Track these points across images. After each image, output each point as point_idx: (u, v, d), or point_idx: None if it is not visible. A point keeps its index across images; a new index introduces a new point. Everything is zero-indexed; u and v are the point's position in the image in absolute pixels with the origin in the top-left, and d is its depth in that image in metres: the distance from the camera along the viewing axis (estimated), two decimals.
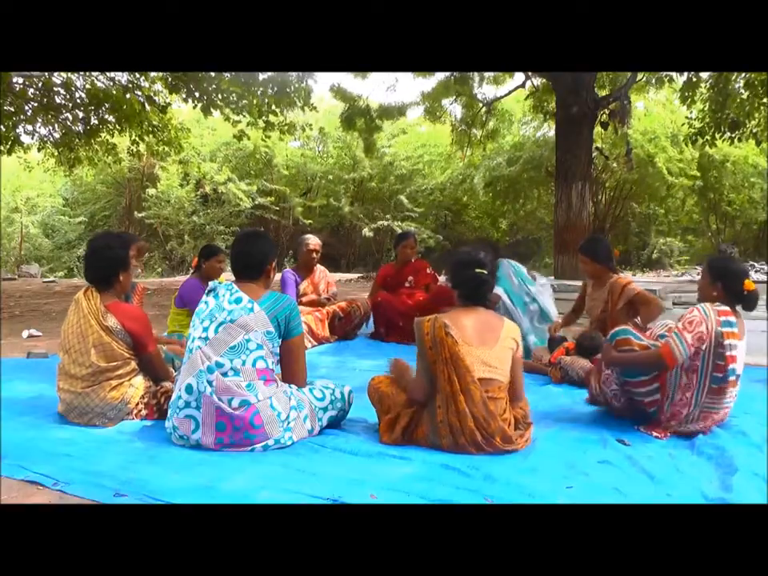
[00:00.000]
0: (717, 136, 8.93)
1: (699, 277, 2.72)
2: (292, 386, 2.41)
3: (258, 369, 2.27)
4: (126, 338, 2.60)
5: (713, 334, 2.42)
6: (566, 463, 2.14)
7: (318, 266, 5.13)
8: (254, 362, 2.26)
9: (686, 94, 8.81)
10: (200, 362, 2.26)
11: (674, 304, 5.35)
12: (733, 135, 8.88)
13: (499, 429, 2.22)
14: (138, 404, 2.62)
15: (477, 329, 2.29)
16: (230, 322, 2.28)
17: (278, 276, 4.65)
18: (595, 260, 3.66)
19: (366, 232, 16.59)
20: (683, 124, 10.22)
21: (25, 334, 5.02)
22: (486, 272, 2.36)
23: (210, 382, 2.22)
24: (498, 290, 4.07)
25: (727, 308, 2.48)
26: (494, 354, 2.27)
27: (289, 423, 2.30)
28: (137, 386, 2.63)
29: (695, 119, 9.33)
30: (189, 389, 2.25)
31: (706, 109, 8.96)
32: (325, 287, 5.07)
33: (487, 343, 2.28)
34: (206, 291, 2.45)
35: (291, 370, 2.43)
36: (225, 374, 2.23)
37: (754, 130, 9.06)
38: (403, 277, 5.14)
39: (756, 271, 13.71)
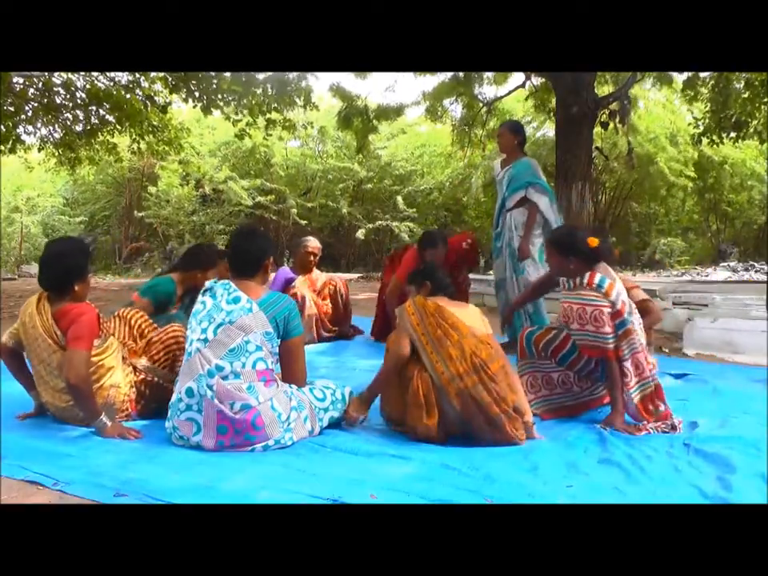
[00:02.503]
0: (722, 135, 8.93)
1: (547, 256, 2.88)
2: (292, 386, 2.40)
3: (258, 370, 2.26)
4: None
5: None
6: (566, 463, 2.14)
7: (316, 270, 5.04)
8: (253, 364, 2.25)
9: (687, 93, 8.82)
10: (199, 365, 2.24)
11: (674, 304, 5.35)
12: (738, 134, 8.88)
13: (501, 370, 2.35)
14: (123, 401, 2.57)
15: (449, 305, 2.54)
16: (228, 323, 2.26)
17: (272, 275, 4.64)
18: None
19: (360, 234, 16.54)
20: (689, 124, 10.22)
21: None
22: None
23: (210, 386, 2.21)
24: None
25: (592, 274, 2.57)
26: (468, 318, 2.50)
27: (289, 424, 2.29)
28: (118, 385, 2.54)
29: (700, 119, 9.34)
30: (189, 392, 2.24)
31: (707, 109, 8.97)
32: (322, 286, 5.00)
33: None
34: (203, 291, 2.42)
35: (291, 370, 2.42)
36: (225, 378, 2.22)
37: (759, 129, 9.06)
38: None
39: (756, 271, 13.71)
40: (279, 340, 2.34)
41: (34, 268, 15.30)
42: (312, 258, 4.90)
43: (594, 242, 2.65)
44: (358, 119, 10.41)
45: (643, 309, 2.92)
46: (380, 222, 16.87)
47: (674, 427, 2.49)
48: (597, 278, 2.53)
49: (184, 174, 16.81)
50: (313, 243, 4.97)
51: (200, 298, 2.41)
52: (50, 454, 2.17)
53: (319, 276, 5.04)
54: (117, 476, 1.97)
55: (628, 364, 2.50)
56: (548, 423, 2.61)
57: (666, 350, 4.46)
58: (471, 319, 2.51)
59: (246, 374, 2.24)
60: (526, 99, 11.20)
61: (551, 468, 2.09)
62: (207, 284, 2.43)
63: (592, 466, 2.12)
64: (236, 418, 2.19)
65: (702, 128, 9.30)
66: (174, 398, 2.32)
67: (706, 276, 13.33)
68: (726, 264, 15.61)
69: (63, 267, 2.50)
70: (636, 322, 2.55)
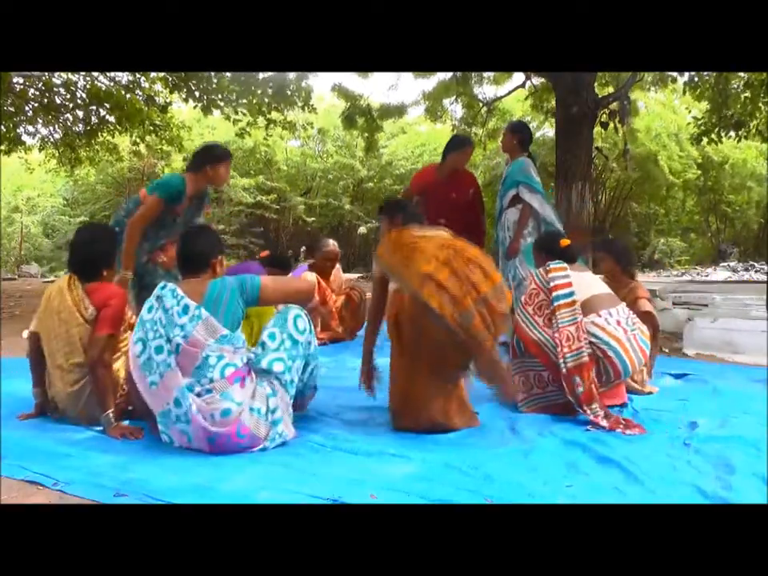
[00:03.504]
0: (722, 134, 8.93)
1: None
2: (260, 375, 2.32)
3: (228, 376, 2.20)
4: None
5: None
6: (565, 463, 2.14)
7: (338, 266, 5.03)
8: (221, 373, 2.20)
9: (693, 92, 8.81)
10: (178, 379, 2.19)
11: (674, 304, 5.34)
12: (738, 134, 8.88)
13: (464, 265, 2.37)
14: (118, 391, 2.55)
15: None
16: (184, 341, 2.19)
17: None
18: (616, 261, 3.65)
19: (363, 230, 16.55)
20: (689, 123, 10.23)
21: (25, 333, 4.99)
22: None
23: (190, 401, 2.17)
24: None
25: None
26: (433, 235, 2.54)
27: (274, 413, 2.26)
28: (119, 368, 2.57)
29: (700, 119, 9.34)
30: (177, 403, 2.19)
31: (707, 108, 8.98)
32: (339, 288, 4.96)
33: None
34: (154, 294, 2.32)
35: (290, 301, 2.47)
36: (199, 395, 2.18)
37: (760, 128, 9.06)
38: (447, 190, 4.40)
39: (756, 271, 13.72)
40: (242, 319, 2.31)
41: (34, 268, 15.33)
42: (328, 264, 4.85)
43: (565, 242, 2.95)
44: (362, 119, 10.42)
45: (643, 318, 2.94)
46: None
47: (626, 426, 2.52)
48: (552, 273, 2.76)
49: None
50: (331, 247, 4.89)
51: (150, 302, 2.31)
52: (50, 454, 2.17)
53: (338, 275, 4.99)
54: (117, 476, 1.97)
55: (558, 335, 2.65)
56: (548, 424, 2.61)
57: (666, 350, 4.46)
58: (436, 235, 2.54)
59: (217, 385, 2.19)
60: (526, 99, 11.20)
61: (551, 468, 2.09)
62: (156, 290, 2.32)
63: (592, 466, 2.12)
64: (220, 432, 2.16)
65: (701, 128, 9.31)
66: (162, 408, 2.25)
67: (706, 276, 13.34)
68: (725, 264, 15.62)
69: (93, 253, 2.60)
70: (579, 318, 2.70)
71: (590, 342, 2.67)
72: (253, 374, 2.30)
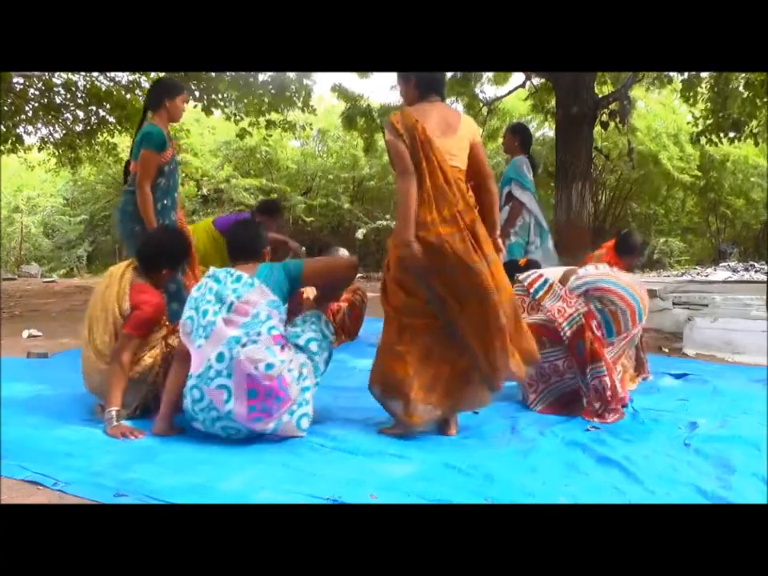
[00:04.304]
0: (721, 135, 8.94)
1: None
2: (292, 348, 2.48)
3: (273, 335, 2.37)
4: None
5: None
6: (565, 463, 2.14)
7: None
8: (268, 330, 2.37)
9: (687, 94, 8.82)
10: (225, 332, 2.33)
11: (674, 304, 5.34)
12: (737, 135, 8.88)
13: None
14: (153, 370, 2.63)
15: (437, 122, 2.43)
16: (236, 299, 2.39)
17: None
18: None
19: (360, 235, 16.53)
20: (688, 123, 10.22)
21: (25, 333, 5.02)
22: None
23: (237, 351, 2.29)
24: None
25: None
26: (453, 143, 2.43)
27: (304, 382, 2.43)
28: (153, 357, 2.64)
29: (699, 118, 9.34)
30: (220, 357, 2.30)
31: (706, 109, 8.97)
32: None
33: (447, 135, 2.42)
34: (206, 275, 2.53)
35: (332, 285, 2.72)
36: (245, 345, 2.31)
37: (755, 131, 9.07)
38: None
39: (756, 271, 13.71)
40: (285, 305, 2.50)
41: (34, 268, 15.31)
42: None
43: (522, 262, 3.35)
44: (362, 119, 10.42)
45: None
46: (380, 221, 16.87)
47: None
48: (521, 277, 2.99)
49: (183, 174, 16.80)
50: (342, 254, 4.85)
51: (204, 281, 2.51)
52: (50, 454, 2.17)
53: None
54: (117, 476, 1.97)
55: (549, 314, 2.80)
56: (549, 424, 2.61)
57: (666, 350, 4.46)
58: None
59: (263, 340, 2.33)
60: (526, 99, 11.20)
61: (551, 468, 2.09)
62: (209, 271, 2.52)
63: (592, 466, 2.12)
64: (263, 381, 2.27)
65: (700, 127, 9.31)
66: (201, 368, 2.32)
67: (706, 276, 13.33)
68: (725, 264, 15.61)
69: (161, 249, 2.75)
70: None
71: (591, 292, 2.79)
72: (290, 347, 2.47)
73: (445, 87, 2.64)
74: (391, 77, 13.38)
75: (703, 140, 9.27)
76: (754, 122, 8.87)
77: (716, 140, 9.14)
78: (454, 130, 2.44)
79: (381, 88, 22.74)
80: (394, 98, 10.65)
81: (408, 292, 2.42)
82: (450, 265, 2.32)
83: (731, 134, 8.93)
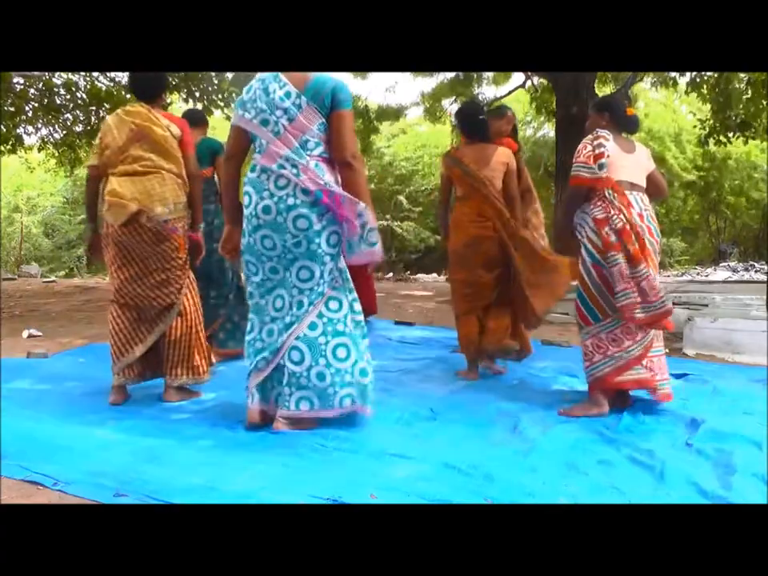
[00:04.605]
0: (728, 135, 8.93)
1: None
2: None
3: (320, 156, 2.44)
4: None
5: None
6: (566, 463, 2.14)
7: None
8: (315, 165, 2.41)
9: (689, 94, 8.82)
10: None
11: (674, 304, 5.34)
12: (745, 134, 8.88)
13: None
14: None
15: (475, 157, 3.44)
16: (287, 121, 2.40)
17: None
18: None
19: None
20: (695, 126, 10.22)
21: (25, 333, 5.02)
22: (484, 117, 3.60)
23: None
24: None
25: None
26: (488, 172, 3.41)
27: None
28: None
29: (706, 120, 9.33)
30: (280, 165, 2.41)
31: (711, 109, 8.97)
32: None
33: (481, 165, 3.42)
34: (257, 78, 2.49)
35: (340, 140, 2.42)
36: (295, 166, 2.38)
37: (761, 128, 9.07)
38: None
39: (756, 271, 13.72)
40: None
41: (34, 268, 15.31)
42: None
43: (630, 111, 3.00)
44: (359, 120, 10.43)
45: None
46: (380, 222, 16.89)
47: None
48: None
49: None
50: None
51: (254, 84, 2.48)
52: (50, 454, 2.17)
53: None
54: (117, 476, 1.97)
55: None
56: (549, 423, 2.60)
57: (666, 350, 4.46)
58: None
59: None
60: (530, 102, 11.19)
61: (551, 468, 2.09)
62: (259, 75, 2.50)
63: (592, 465, 2.12)
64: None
65: (707, 129, 9.29)
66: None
67: (706, 276, 13.33)
68: (725, 264, 15.62)
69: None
70: None
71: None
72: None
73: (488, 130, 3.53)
74: (389, 78, 13.37)
75: (711, 141, 9.27)
76: (757, 122, 8.86)
77: (724, 140, 9.13)
78: (488, 161, 3.42)
79: (378, 89, 22.66)
80: (391, 99, 10.69)
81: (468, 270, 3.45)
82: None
83: (741, 134, 8.91)
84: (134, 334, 2.92)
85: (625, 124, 2.91)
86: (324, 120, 2.42)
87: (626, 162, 2.81)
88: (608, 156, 2.72)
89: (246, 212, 2.49)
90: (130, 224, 2.78)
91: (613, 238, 2.70)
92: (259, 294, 2.53)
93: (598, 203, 2.74)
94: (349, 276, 2.54)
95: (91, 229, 3.09)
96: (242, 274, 3.61)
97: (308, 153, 2.40)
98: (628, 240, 2.67)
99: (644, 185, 2.88)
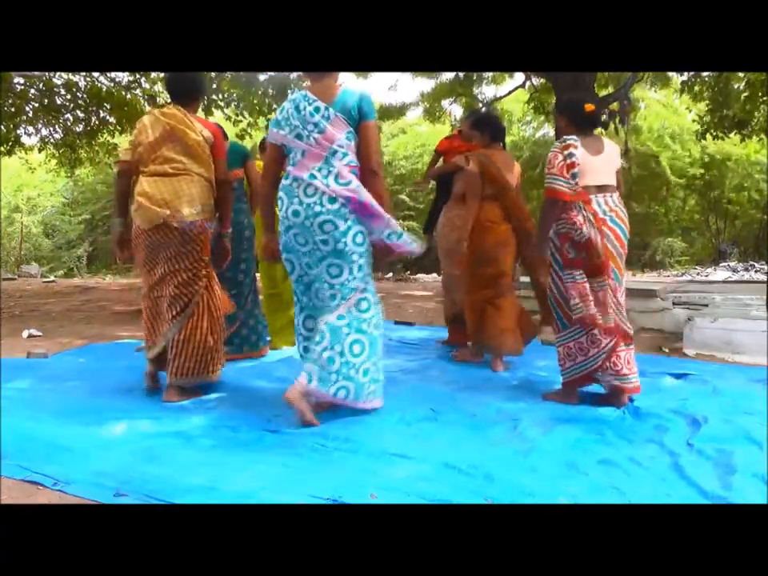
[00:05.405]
0: (726, 133, 8.97)
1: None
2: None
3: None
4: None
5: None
6: (566, 463, 2.14)
7: None
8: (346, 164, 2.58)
9: (685, 94, 8.83)
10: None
11: (674, 304, 5.34)
12: (742, 133, 8.91)
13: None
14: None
15: (504, 161, 3.73)
16: (318, 133, 2.57)
17: None
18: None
19: None
20: (694, 121, 10.24)
21: (25, 333, 5.02)
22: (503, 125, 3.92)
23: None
24: None
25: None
26: (510, 178, 3.70)
27: None
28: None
29: (703, 116, 9.36)
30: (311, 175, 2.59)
31: (707, 108, 8.99)
32: None
33: (506, 170, 3.71)
34: (288, 99, 2.67)
35: (367, 151, 2.62)
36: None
37: (758, 127, 9.10)
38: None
39: (756, 271, 13.71)
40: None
41: (34, 268, 15.32)
42: None
43: (589, 107, 2.94)
44: None
45: None
46: None
47: None
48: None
49: None
50: None
51: (286, 105, 2.66)
52: (50, 454, 2.17)
53: None
54: (117, 476, 1.97)
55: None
56: (548, 423, 2.60)
57: (666, 350, 4.46)
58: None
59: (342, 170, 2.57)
60: (529, 102, 11.18)
61: (551, 468, 2.09)
62: (292, 95, 2.68)
63: (592, 465, 2.12)
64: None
65: (704, 126, 9.33)
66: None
67: (706, 276, 13.33)
68: (726, 264, 15.61)
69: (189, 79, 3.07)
70: None
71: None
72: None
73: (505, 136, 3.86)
74: (390, 77, 13.38)
75: (709, 137, 9.30)
76: (754, 121, 8.88)
77: (721, 135, 9.16)
78: (512, 168, 3.77)
79: (379, 88, 22.68)
80: (393, 98, 10.67)
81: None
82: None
83: (738, 132, 8.94)
84: (159, 326, 3.01)
85: (583, 123, 2.89)
86: (351, 129, 2.60)
87: (595, 165, 2.82)
88: (578, 165, 2.74)
89: (279, 215, 2.66)
90: (159, 227, 2.87)
91: (572, 254, 2.77)
92: (300, 291, 2.75)
93: (563, 216, 2.78)
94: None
95: (119, 224, 3.15)
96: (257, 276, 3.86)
97: (337, 162, 2.55)
98: (592, 254, 2.74)
99: (614, 182, 2.90)
